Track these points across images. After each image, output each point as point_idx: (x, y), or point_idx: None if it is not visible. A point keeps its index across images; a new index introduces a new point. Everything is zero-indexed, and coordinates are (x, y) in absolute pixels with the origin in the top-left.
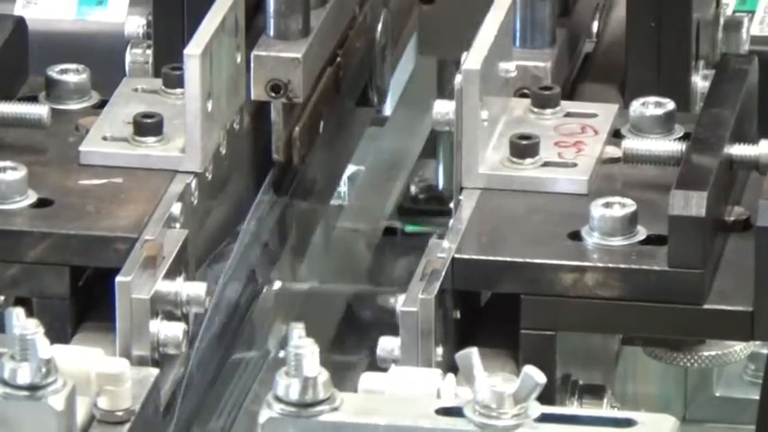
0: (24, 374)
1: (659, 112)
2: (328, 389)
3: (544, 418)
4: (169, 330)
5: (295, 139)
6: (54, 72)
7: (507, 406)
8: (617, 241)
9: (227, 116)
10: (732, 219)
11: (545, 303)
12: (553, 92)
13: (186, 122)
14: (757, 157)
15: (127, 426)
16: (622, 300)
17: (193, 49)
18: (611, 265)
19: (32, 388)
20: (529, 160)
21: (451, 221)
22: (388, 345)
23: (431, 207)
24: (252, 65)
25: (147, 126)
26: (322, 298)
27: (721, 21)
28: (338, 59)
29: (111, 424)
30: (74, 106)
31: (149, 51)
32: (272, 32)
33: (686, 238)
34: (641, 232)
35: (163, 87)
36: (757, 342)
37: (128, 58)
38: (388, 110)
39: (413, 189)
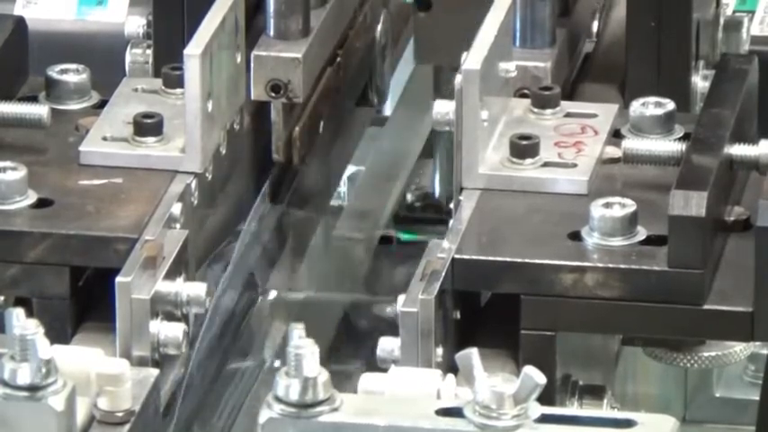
0: (24, 375)
1: (659, 112)
2: (328, 389)
3: (544, 419)
4: (169, 331)
5: (295, 139)
6: (54, 72)
7: (507, 406)
8: (617, 241)
9: (227, 116)
10: (732, 219)
11: (545, 304)
12: (553, 92)
13: (186, 122)
14: (757, 157)
15: (127, 426)
16: (622, 300)
17: (193, 49)
18: (611, 266)
19: (32, 388)
20: (529, 160)
21: (451, 222)
22: (387, 345)
23: (427, 215)
24: (252, 65)
25: (147, 126)
26: (318, 307)
27: (721, 21)
28: (338, 59)
29: (111, 424)
30: (74, 106)
31: (149, 51)
32: (272, 32)
33: (686, 238)
34: (641, 232)
35: (163, 87)
36: (757, 342)
37: (128, 58)
38: (388, 110)
39: (409, 197)
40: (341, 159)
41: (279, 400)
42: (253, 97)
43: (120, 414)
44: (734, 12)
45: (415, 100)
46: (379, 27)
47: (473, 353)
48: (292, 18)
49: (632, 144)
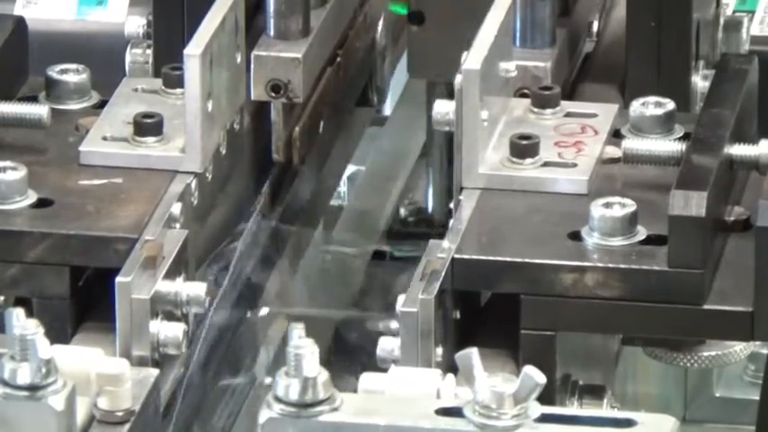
0: (24, 375)
1: (659, 112)
2: (328, 389)
3: (544, 419)
4: (169, 331)
5: (295, 139)
6: (54, 72)
7: (507, 406)
8: (617, 241)
9: (227, 116)
10: (732, 219)
11: (545, 303)
12: (553, 92)
13: (186, 122)
14: (757, 157)
15: (127, 426)
16: (622, 300)
17: (193, 49)
18: (611, 266)
19: (32, 388)
20: (529, 160)
21: (451, 221)
22: (387, 345)
23: (420, 230)
24: (252, 65)
25: (147, 126)
26: (310, 323)
27: (721, 21)
28: (338, 59)
29: (111, 424)
30: (74, 106)
31: (149, 51)
32: (272, 32)
33: (686, 238)
34: (641, 232)
35: (163, 87)
36: (757, 342)
37: (128, 58)
38: (388, 110)
39: (402, 212)
40: (341, 159)
41: (279, 399)
42: (253, 97)
43: (120, 414)
44: (734, 12)
45: (416, 100)
46: (380, 27)
47: (473, 353)
48: (292, 18)
49: (632, 144)
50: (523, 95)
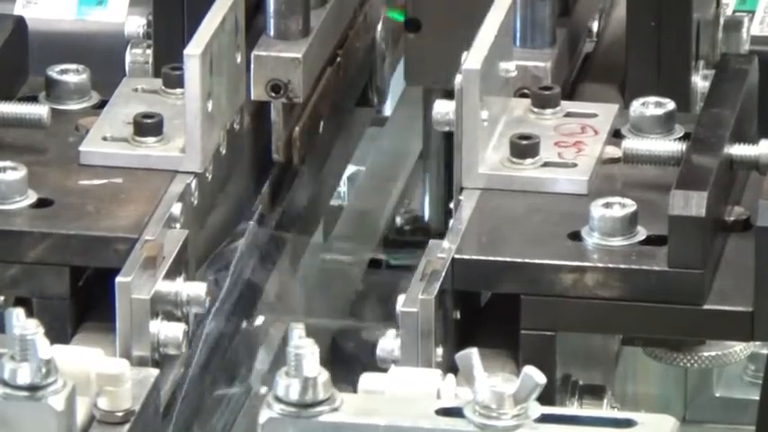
0: (24, 375)
1: (659, 112)
2: (328, 389)
3: (544, 419)
4: (169, 331)
5: (295, 139)
6: (54, 72)
7: (507, 406)
8: (617, 241)
9: (227, 116)
10: (732, 219)
11: (545, 304)
12: (553, 92)
13: (186, 122)
14: (757, 157)
15: (127, 426)
16: (622, 300)
17: (193, 49)
18: (611, 266)
19: (32, 388)
20: (529, 160)
21: (451, 221)
22: (388, 345)
23: (416, 238)
24: (252, 65)
25: (147, 126)
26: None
27: (721, 21)
28: (338, 59)
29: (111, 424)
30: (74, 106)
31: (149, 51)
32: (272, 32)
33: (686, 238)
34: (641, 232)
35: (163, 87)
36: (757, 342)
37: (128, 58)
38: (388, 110)
39: (398, 220)
40: (341, 159)
41: (279, 399)
42: (253, 97)
43: (120, 414)
44: (734, 12)
45: (416, 100)
46: (379, 27)
47: (473, 353)
48: (292, 18)
49: (632, 144)
50: (523, 95)
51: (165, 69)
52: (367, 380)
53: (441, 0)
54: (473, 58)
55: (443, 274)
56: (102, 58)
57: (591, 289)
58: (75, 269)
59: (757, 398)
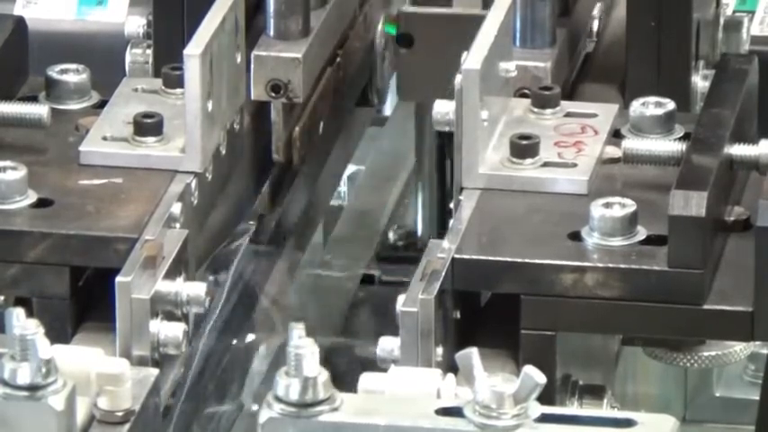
0: (24, 375)
1: (659, 112)
2: (328, 389)
3: (544, 419)
4: (169, 330)
5: (295, 139)
6: (54, 72)
7: (507, 406)
8: (617, 241)
9: (227, 116)
10: (732, 219)
11: (545, 304)
12: (553, 92)
13: (186, 122)
14: (757, 157)
15: (127, 426)
16: (622, 300)
17: (193, 49)
18: (611, 266)
19: (32, 388)
20: (529, 160)
21: (451, 221)
22: (387, 345)
23: (409, 254)
24: (252, 65)
25: (147, 126)
26: None
27: (721, 21)
28: (338, 59)
29: (111, 424)
30: (74, 106)
31: (149, 51)
32: (272, 32)
33: (686, 238)
34: (641, 232)
35: (163, 87)
36: (757, 342)
37: (128, 58)
38: (388, 110)
39: (391, 236)
40: (341, 159)
41: (279, 399)
42: (253, 97)
43: (120, 414)
44: (734, 12)
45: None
46: (379, 27)
47: (473, 353)
48: (292, 18)
49: (632, 144)
50: (523, 95)
51: (165, 69)
52: (367, 380)
53: (433, 16)
54: (473, 58)
55: (443, 273)
56: (102, 58)
57: (591, 289)
58: (75, 269)
59: (757, 398)
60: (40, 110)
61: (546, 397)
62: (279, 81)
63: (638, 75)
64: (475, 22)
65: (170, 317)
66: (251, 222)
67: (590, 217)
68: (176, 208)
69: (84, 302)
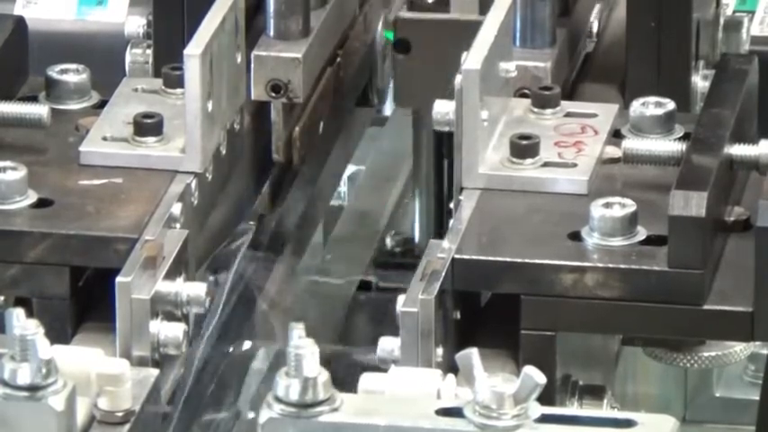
0: (24, 375)
1: (659, 112)
2: (328, 389)
3: (544, 419)
4: (169, 331)
5: (295, 139)
6: (54, 72)
7: (507, 406)
8: (617, 241)
9: (227, 116)
10: (732, 219)
11: (545, 304)
12: (553, 92)
13: (186, 122)
14: (757, 157)
15: (127, 426)
16: (622, 300)
17: (193, 49)
18: (611, 266)
19: (32, 388)
20: (529, 160)
21: (451, 221)
22: (388, 345)
23: (407, 260)
24: (252, 65)
25: (147, 126)
26: None
27: (721, 21)
28: (338, 59)
29: (112, 424)
30: (74, 106)
31: (149, 51)
32: (272, 32)
33: (686, 238)
34: (641, 232)
35: (163, 87)
36: (757, 342)
37: (128, 58)
38: (388, 110)
39: (389, 242)
40: (341, 159)
41: (279, 400)
42: (253, 97)
43: (120, 414)
44: (734, 12)
45: None
46: (379, 27)
47: (473, 353)
48: (292, 18)
49: (632, 144)
50: (523, 95)
51: (165, 69)
52: (367, 380)
53: (430, 22)
54: (473, 58)
55: (443, 274)
56: (102, 58)
57: (591, 289)
58: (75, 269)
59: (757, 398)
60: (40, 110)
61: (546, 397)
62: (279, 81)
63: (638, 75)
64: (472, 28)
65: (170, 317)
66: (251, 222)
67: (590, 217)
68: (176, 208)
69: (84, 303)
